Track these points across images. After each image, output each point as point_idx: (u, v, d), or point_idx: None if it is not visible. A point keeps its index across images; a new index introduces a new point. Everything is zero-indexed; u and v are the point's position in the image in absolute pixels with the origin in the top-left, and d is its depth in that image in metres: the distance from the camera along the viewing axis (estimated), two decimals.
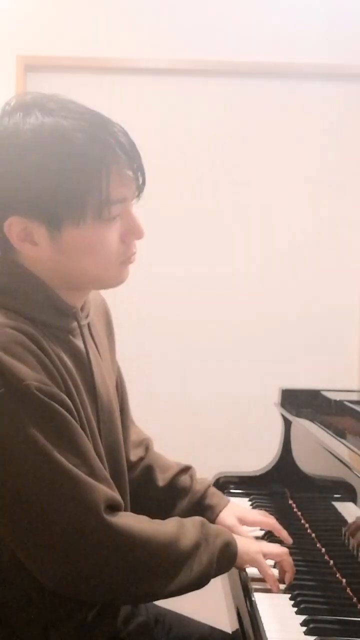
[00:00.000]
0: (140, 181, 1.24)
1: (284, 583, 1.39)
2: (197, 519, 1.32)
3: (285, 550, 1.43)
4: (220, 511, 1.55)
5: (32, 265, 1.23)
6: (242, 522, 1.55)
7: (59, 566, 1.16)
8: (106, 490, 1.18)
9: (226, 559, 1.31)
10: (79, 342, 1.29)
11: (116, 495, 1.22)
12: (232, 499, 1.92)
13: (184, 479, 1.58)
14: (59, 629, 1.25)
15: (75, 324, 1.28)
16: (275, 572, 1.41)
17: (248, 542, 1.39)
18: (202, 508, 1.55)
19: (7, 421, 1.11)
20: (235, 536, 1.36)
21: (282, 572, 1.41)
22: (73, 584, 1.17)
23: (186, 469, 1.61)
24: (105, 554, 1.17)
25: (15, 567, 1.21)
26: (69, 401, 1.19)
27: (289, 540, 1.55)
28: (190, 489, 1.57)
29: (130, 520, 1.21)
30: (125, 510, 1.29)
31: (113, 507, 1.20)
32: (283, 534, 1.56)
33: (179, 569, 1.23)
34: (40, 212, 1.18)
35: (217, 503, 1.57)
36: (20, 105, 1.20)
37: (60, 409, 1.15)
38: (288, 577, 1.39)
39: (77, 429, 1.18)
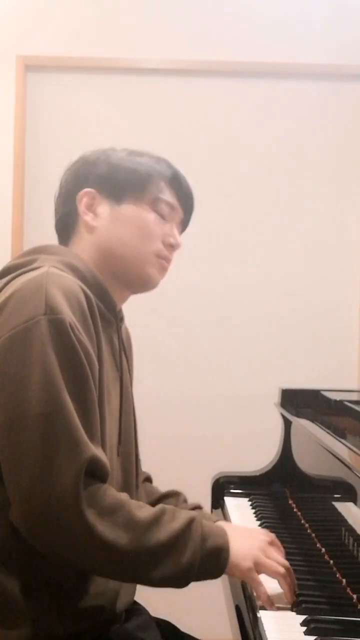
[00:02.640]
0: (185, 217, 1.50)
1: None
2: (189, 514, 1.26)
3: (281, 569, 1.30)
4: None
5: (88, 255, 1.41)
6: None
7: (23, 500, 1.17)
8: (94, 449, 1.19)
9: (211, 567, 1.24)
10: (115, 338, 1.43)
11: (103, 458, 1.22)
12: (232, 500, 1.93)
13: (169, 502, 1.56)
14: (57, 612, 1.25)
15: (113, 319, 1.43)
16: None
17: (243, 552, 1.27)
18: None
19: (35, 342, 1.19)
20: (233, 541, 1.27)
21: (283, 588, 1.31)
22: (29, 525, 1.18)
23: (173, 494, 1.60)
24: (61, 516, 1.16)
25: (13, 552, 1.23)
26: (93, 357, 1.26)
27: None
28: None
29: (99, 504, 1.18)
30: None
31: (95, 472, 1.20)
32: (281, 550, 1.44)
33: (140, 563, 1.20)
34: (109, 185, 1.43)
35: None
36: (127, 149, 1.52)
37: (81, 353, 1.22)
38: (288, 597, 1.29)
39: (90, 380, 1.23)
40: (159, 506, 1.26)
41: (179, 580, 1.22)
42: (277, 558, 1.31)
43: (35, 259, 1.36)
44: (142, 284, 1.45)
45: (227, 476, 2.02)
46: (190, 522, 1.24)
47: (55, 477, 1.16)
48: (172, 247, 1.46)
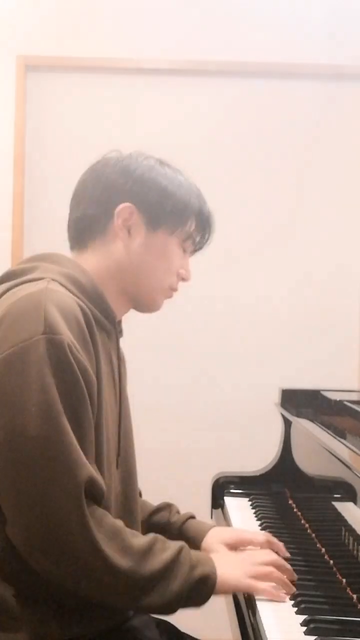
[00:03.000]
0: (199, 245, 1.50)
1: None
2: (178, 544, 1.28)
3: (271, 569, 1.33)
4: (201, 541, 1.50)
5: (95, 266, 1.39)
6: (233, 546, 1.48)
7: (24, 522, 1.18)
8: (91, 470, 1.20)
9: (200, 592, 1.26)
10: (113, 350, 1.41)
11: (99, 477, 1.23)
12: (232, 499, 1.93)
13: (162, 515, 1.57)
14: (57, 619, 1.25)
15: (113, 332, 1.41)
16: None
17: (229, 567, 1.31)
18: (183, 540, 1.45)
19: (33, 363, 1.19)
20: (220, 562, 1.30)
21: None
22: (30, 549, 1.19)
23: (165, 507, 1.59)
24: (68, 533, 1.17)
25: (9, 549, 1.22)
26: (91, 376, 1.25)
27: (285, 553, 1.49)
28: (168, 523, 1.55)
29: (97, 524, 1.19)
30: None
31: (93, 494, 1.21)
32: (281, 547, 1.50)
33: (139, 592, 1.21)
34: (152, 209, 1.40)
35: (195, 534, 1.51)
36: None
37: (79, 374, 1.22)
38: (286, 590, 1.32)
39: (87, 401, 1.23)
40: (151, 535, 1.28)
41: (166, 608, 1.24)
42: (263, 560, 1.35)
43: (37, 267, 1.35)
44: (146, 308, 1.47)
45: (227, 476, 2.02)
46: (179, 552, 1.26)
47: (56, 500, 1.16)
48: (183, 280, 1.48)
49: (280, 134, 3.03)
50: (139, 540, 1.25)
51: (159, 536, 1.29)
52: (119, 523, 1.25)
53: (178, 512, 1.60)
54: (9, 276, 1.37)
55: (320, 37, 2.99)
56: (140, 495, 1.65)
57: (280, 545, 1.49)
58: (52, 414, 1.17)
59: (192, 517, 1.58)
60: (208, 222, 1.48)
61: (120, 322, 1.46)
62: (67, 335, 1.21)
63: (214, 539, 1.49)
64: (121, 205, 1.39)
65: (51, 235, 2.95)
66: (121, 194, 1.40)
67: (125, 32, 3.00)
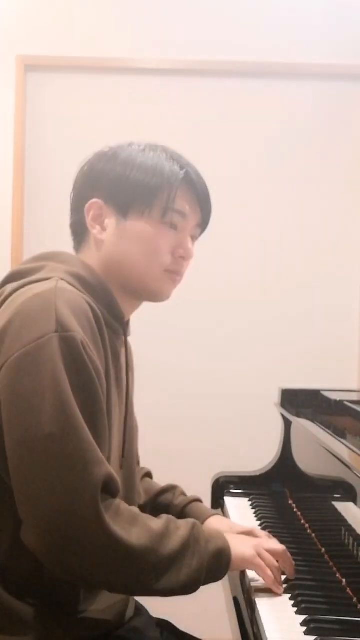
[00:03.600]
0: (203, 218, 1.44)
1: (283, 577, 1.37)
2: (190, 521, 1.29)
3: (282, 548, 1.39)
4: (203, 524, 1.50)
5: (97, 264, 1.38)
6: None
7: (41, 524, 1.16)
8: (108, 467, 1.20)
9: (218, 566, 1.28)
10: (121, 350, 1.41)
11: (115, 475, 1.22)
12: (232, 499, 1.93)
13: (166, 497, 1.58)
14: (58, 616, 1.25)
15: (121, 331, 1.41)
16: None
17: (243, 545, 1.34)
18: None
19: (47, 361, 1.18)
20: (230, 537, 1.33)
21: (282, 568, 1.38)
22: (48, 549, 1.17)
23: (169, 488, 1.60)
24: (86, 532, 1.16)
25: (17, 554, 1.22)
26: (102, 373, 1.25)
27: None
28: (171, 504, 1.56)
29: (115, 516, 1.19)
30: None
31: (109, 489, 1.20)
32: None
33: (162, 572, 1.21)
34: (117, 198, 1.38)
35: (197, 517, 1.51)
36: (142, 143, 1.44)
37: (92, 370, 1.22)
38: (289, 572, 1.37)
39: (101, 398, 1.23)
40: (165, 516, 1.28)
41: (191, 585, 1.24)
42: (272, 547, 1.37)
43: (44, 266, 1.34)
44: (152, 298, 1.43)
45: (227, 476, 2.02)
46: (192, 528, 1.27)
47: (73, 499, 1.15)
48: (183, 259, 1.42)
49: (281, 134, 3.03)
50: (156, 522, 1.25)
51: (170, 516, 1.29)
52: (135, 509, 1.25)
53: (183, 493, 1.61)
54: (15, 276, 1.36)
55: (320, 37, 2.99)
56: (151, 476, 1.68)
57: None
58: (67, 411, 1.17)
59: (197, 500, 1.59)
60: (193, 186, 1.40)
61: (128, 321, 1.45)
62: (80, 332, 1.21)
63: (215, 526, 1.50)
64: (88, 203, 1.39)
65: (51, 234, 2.97)
66: (87, 193, 1.40)
67: (125, 32, 3.01)
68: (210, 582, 1.27)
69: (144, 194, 1.37)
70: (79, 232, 1.43)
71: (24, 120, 2.99)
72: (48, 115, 3.03)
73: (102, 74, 3.02)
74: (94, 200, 1.39)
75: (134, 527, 1.20)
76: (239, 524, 1.58)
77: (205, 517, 1.53)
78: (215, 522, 1.53)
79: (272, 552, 1.36)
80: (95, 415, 1.21)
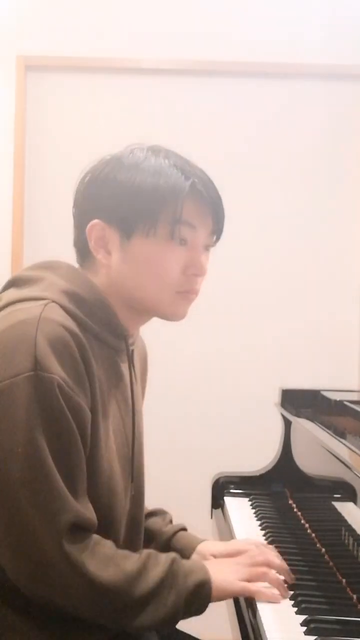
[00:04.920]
0: (216, 225, 1.35)
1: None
2: (171, 556, 1.27)
3: (270, 558, 1.35)
4: (190, 554, 1.47)
5: (101, 281, 1.31)
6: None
7: (14, 564, 1.18)
8: (78, 509, 1.18)
9: (197, 600, 1.25)
10: (124, 366, 1.36)
11: (88, 515, 1.21)
12: (232, 499, 1.93)
13: (154, 521, 1.55)
14: (64, 626, 1.25)
15: (123, 346, 1.35)
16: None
17: (223, 572, 1.29)
18: (172, 551, 1.46)
19: (21, 401, 1.15)
20: (212, 567, 1.28)
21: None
22: (25, 584, 1.19)
23: (159, 513, 1.58)
24: (57, 577, 1.17)
25: (10, 585, 1.22)
26: (85, 412, 1.21)
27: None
28: (159, 531, 1.53)
29: (89, 556, 1.18)
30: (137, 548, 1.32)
31: (81, 528, 1.20)
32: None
33: (138, 610, 1.20)
34: (119, 218, 1.28)
35: (184, 547, 1.49)
36: (144, 147, 1.35)
37: (69, 414, 1.18)
38: (286, 578, 1.34)
39: (77, 440, 1.20)
40: (144, 552, 1.26)
41: (169, 620, 1.24)
42: (256, 561, 1.34)
43: (43, 278, 1.29)
44: (165, 317, 1.36)
45: (227, 476, 2.02)
46: (172, 564, 1.25)
47: (39, 544, 1.16)
48: (195, 276, 1.33)
49: (281, 134, 3.03)
50: (131, 561, 1.23)
51: (151, 551, 1.28)
52: (111, 548, 1.24)
53: (171, 521, 1.58)
54: (15, 282, 1.33)
55: (320, 37, 2.99)
56: None
57: (272, 548, 1.47)
58: (37, 457, 1.15)
59: (184, 529, 1.56)
60: (201, 193, 1.30)
61: (132, 336, 1.38)
62: (58, 372, 1.17)
63: (205, 552, 1.47)
64: (89, 225, 1.31)
65: (51, 234, 2.97)
66: (89, 213, 1.32)
67: (125, 32, 3.00)
68: (190, 616, 1.26)
69: (147, 213, 1.27)
70: (81, 251, 1.36)
71: (24, 120, 2.99)
72: (48, 115, 3.03)
73: (102, 74, 3.02)
74: (95, 221, 1.30)
75: (108, 567, 1.20)
76: (229, 542, 1.54)
77: (193, 546, 1.50)
78: (201, 550, 1.48)
79: (259, 564, 1.33)
80: (69, 458, 1.19)
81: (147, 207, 1.27)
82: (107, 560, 1.20)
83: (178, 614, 1.23)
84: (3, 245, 2.97)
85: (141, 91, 3.02)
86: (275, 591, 1.30)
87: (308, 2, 2.99)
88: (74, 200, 1.37)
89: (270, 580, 1.31)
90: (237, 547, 1.44)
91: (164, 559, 1.25)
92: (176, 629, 1.52)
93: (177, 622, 1.26)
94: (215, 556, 1.44)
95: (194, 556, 1.46)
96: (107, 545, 1.23)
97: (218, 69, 3.01)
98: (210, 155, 3.05)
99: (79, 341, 1.21)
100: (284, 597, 1.30)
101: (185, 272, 1.32)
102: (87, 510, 1.21)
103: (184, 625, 1.53)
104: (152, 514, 1.57)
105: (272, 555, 1.38)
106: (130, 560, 1.23)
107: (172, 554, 1.28)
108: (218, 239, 1.39)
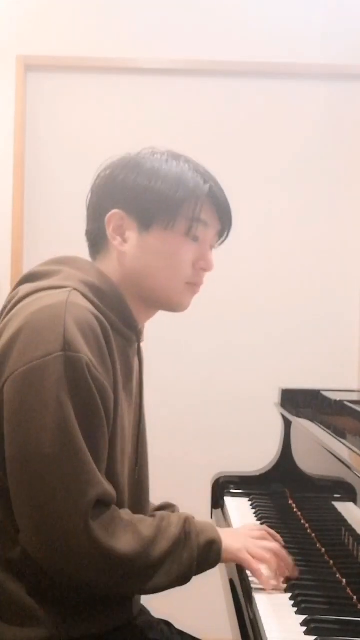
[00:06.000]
0: (224, 228, 1.44)
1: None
2: (182, 515, 1.33)
3: (275, 545, 1.40)
4: None
5: (114, 271, 1.38)
6: None
7: (36, 536, 1.21)
8: (104, 484, 1.23)
9: (209, 557, 1.31)
10: (134, 358, 1.41)
11: (110, 490, 1.25)
12: (232, 499, 1.93)
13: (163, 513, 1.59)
14: (67, 611, 1.27)
15: (134, 338, 1.41)
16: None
17: (232, 539, 1.36)
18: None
19: (52, 380, 1.19)
20: (222, 531, 1.35)
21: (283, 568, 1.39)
22: (45, 556, 1.22)
23: (166, 506, 1.61)
24: (77, 548, 1.20)
25: (28, 555, 1.24)
26: (109, 393, 1.26)
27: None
28: None
29: (109, 530, 1.22)
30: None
31: (103, 503, 1.23)
32: (279, 539, 1.51)
33: (155, 571, 1.25)
34: (139, 210, 1.36)
35: None
36: (164, 151, 1.43)
37: (96, 393, 1.23)
38: (290, 571, 1.38)
39: (103, 419, 1.25)
40: (157, 514, 1.32)
41: (183, 578, 1.28)
42: (264, 545, 1.39)
43: (60, 271, 1.34)
44: (171, 309, 1.43)
45: (227, 476, 2.02)
46: (184, 523, 1.31)
47: (66, 518, 1.19)
48: (203, 270, 1.42)
49: (280, 134, 3.03)
50: (146, 525, 1.28)
51: (163, 513, 1.33)
52: (129, 515, 1.29)
53: (175, 511, 1.60)
54: (30, 277, 1.37)
55: (320, 37, 2.99)
56: None
57: (279, 537, 1.51)
58: (68, 431, 1.19)
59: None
60: (216, 198, 1.40)
61: (142, 328, 1.44)
62: (86, 352, 1.22)
63: None
64: (109, 214, 1.37)
65: (51, 234, 2.97)
66: (109, 202, 1.38)
67: (125, 32, 3.00)
68: (201, 572, 1.31)
69: (168, 207, 1.35)
70: (97, 240, 1.41)
71: (24, 120, 2.99)
72: (48, 115, 3.03)
73: (102, 74, 3.02)
74: (116, 211, 1.37)
75: (126, 534, 1.24)
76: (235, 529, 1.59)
77: None
78: None
79: (264, 549, 1.38)
80: (96, 436, 1.23)
81: (169, 204, 1.35)
82: (125, 527, 1.25)
83: (192, 570, 1.28)
84: (3, 245, 2.97)
85: (141, 91, 3.02)
86: (273, 581, 1.35)
87: (307, 2, 2.99)
88: (93, 189, 1.42)
89: (271, 566, 1.36)
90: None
91: (176, 520, 1.31)
92: (176, 629, 1.53)
93: (189, 579, 1.29)
94: None
95: None
96: (124, 514, 1.28)
97: (218, 69, 3.01)
98: (210, 155, 3.05)
99: (103, 326, 1.28)
100: (277, 588, 1.34)
101: (194, 266, 1.40)
102: (109, 485, 1.25)
103: (184, 626, 1.54)
104: (160, 508, 1.60)
105: (281, 548, 1.42)
106: (146, 525, 1.28)
107: (185, 514, 1.33)
108: (223, 241, 1.47)
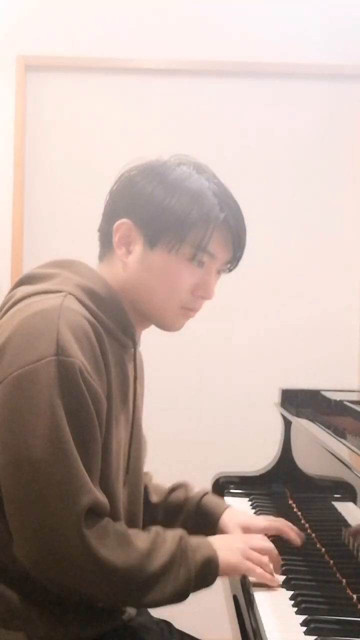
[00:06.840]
0: (235, 257, 1.41)
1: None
2: (178, 532, 1.31)
3: (269, 546, 1.41)
4: (220, 516, 1.53)
5: (115, 276, 1.36)
6: (248, 531, 1.51)
7: (28, 544, 1.20)
8: (96, 492, 1.22)
9: (206, 575, 1.28)
10: (129, 364, 1.40)
11: (103, 499, 1.24)
12: (232, 499, 1.93)
13: (178, 493, 1.59)
14: (60, 613, 1.27)
15: (131, 344, 1.39)
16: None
17: (229, 552, 1.33)
18: (200, 516, 1.54)
19: (44, 384, 1.18)
20: (217, 542, 1.33)
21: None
22: (37, 565, 1.21)
23: (180, 485, 1.61)
24: (70, 558, 1.19)
25: (17, 572, 1.24)
26: (102, 399, 1.25)
27: (297, 541, 1.53)
28: (185, 500, 1.57)
29: (103, 540, 1.21)
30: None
31: (96, 512, 1.22)
32: (292, 535, 1.54)
33: (150, 587, 1.23)
34: (148, 226, 1.33)
35: (214, 508, 1.55)
36: (191, 163, 1.40)
37: (89, 399, 1.22)
38: (275, 569, 1.38)
39: (96, 425, 1.23)
40: (153, 529, 1.30)
41: (180, 594, 1.26)
42: (260, 545, 1.39)
43: (58, 274, 1.33)
44: (162, 328, 1.42)
45: (227, 476, 2.02)
46: (180, 540, 1.28)
47: (57, 525, 1.18)
48: (202, 298, 1.39)
49: (281, 134, 3.03)
50: (142, 539, 1.26)
51: (158, 528, 1.31)
52: (123, 528, 1.27)
53: (189, 488, 1.62)
54: (28, 279, 1.36)
55: (320, 37, 2.99)
56: (150, 478, 1.68)
57: (292, 534, 1.54)
58: (60, 437, 1.18)
59: (208, 492, 1.60)
60: (229, 227, 1.36)
61: (139, 334, 1.44)
62: (79, 357, 1.21)
63: (232, 520, 1.52)
64: (118, 222, 1.35)
65: (51, 234, 2.97)
66: (122, 209, 1.36)
67: (125, 32, 3.00)
68: (199, 589, 1.29)
69: (176, 231, 1.32)
70: (105, 242, 1.40)
71: (24, 120, 2.99)
72: (48, 115, 3.03)
73: (102, 74, 3.02)
74: (124, 220, 1.34)
75: (120, 547, 1.22)
76: (253, 516, 1.64)
77: (220, 510, 1.55)
78: (229, 517, 1.53)
79: (260, 550, 1.38)
80: (88, 442, 1.22)
81: (177, 227, 1.32)
82: (120, 540, 1.23)
83: (189, 588, 1.27)
84: (3, 245, 2.97)
85: (141, 91, 3.02)
86: (277, 577, 1.36)
87: (307, 2, 2.99)
88: (115, 187, 1.39)
89: (266, 569, 1.36)
90: (261, 526, 1.53)
91: (171, 536, 1.29)
92: (176, 629, 1.53)
93: (187, 597, 1.27)
94: (241, 526, 1.51)
95: (220, 523, 1.52)
96: (119, 526, 1.27)
97: (218, 69, 3.01)
98: (209, 154, 3.05)
99: (97, 331, 1.27)
100: (276, 584, 1.35)
101: (193, 292, 1.38)
102: (102, 495, 1.24)
103: (184, 626, 1.54)
104: (174, 488, 1.60)
105: (272, 544, 1.43)
106: (142, 539, 1.26)
107: (179, 531, 1.31)
108: (233, 268, 1.45)
